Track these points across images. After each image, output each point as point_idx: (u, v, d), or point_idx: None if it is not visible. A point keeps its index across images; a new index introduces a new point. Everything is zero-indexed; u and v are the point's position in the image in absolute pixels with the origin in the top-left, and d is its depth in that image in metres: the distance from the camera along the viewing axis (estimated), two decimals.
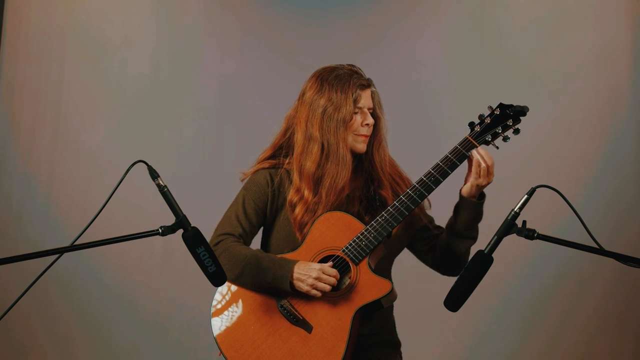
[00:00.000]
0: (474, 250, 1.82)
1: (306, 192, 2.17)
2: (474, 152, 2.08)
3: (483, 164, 2.06)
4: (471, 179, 2.11)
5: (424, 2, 4.07)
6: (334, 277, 2.05)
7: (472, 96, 3.85)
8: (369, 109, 2.21)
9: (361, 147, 2.21)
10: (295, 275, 2.06)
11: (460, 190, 2.16)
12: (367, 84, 2.21)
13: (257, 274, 2.10)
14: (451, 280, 1.84)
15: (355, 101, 2.17)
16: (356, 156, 2.25)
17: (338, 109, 2.15)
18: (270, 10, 4.10)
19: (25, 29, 4.07)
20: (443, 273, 2.30)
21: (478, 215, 2.16)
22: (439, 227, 2.30)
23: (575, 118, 3.91)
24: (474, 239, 2.21)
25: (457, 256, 2.21)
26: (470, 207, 2.13)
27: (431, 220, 2.32)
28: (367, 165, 2.27)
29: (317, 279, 2.04)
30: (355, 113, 2.18)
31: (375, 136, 2.24)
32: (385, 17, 4.04)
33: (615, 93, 3.91)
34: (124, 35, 4.09)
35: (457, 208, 2.17)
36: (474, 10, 4.03)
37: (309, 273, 2.05)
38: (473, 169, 2.09)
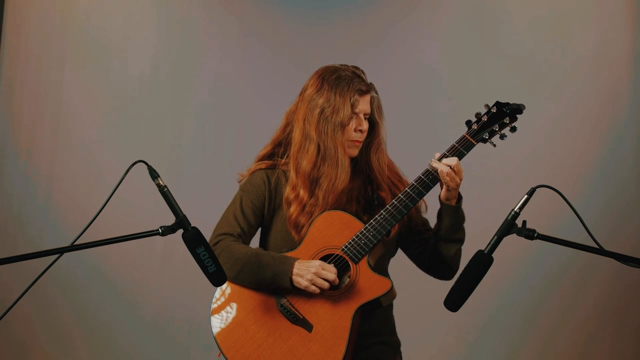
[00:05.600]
0: (474, 250, 1.81)
1: (301, 192, 2.17)
2: (433, 165, 2.07)
3: (447, 169, 2.05)
4: (444, 185, 2.11)
5: (423, 2, 4.07)
6: (333, 273, 2.05)
7: (472, 96, 3.84)
8: (365, 114, 2.20)
9: (353, 152, 2.21)
10: (295, 271, 2.07)
11: (439, 196, 2.16)
12: (366, 90, 2.20)
13: (257, 271, 2.10)
14: (451, 281, 1.84)
15: (353, 106, 2.16)
16: (354, 158, 2.25)
17: (336, 111, 2.15)
18: (270, 10, 4.10)
19: (25, 29, 4.07)
20: (435, 277, 2.30)
21: (459, 217, 2.17)
22: (431, 230, 2.30)
23: (575, 118, 3.91)
24: (460, 241, 2.21)
25: (447, 260, 2.21)
26: (449, 212, 2.15)
27: (425, 222, 2.32)
28: (364, 168, 2.27)
29: (316, 274, 2.04)
30: (351, 117, 2.17)
31: (373, 140, 2.25)
32: (385, 17, 4.03)
33: (615, 93, 3.91)
34: (124, 35, 4.09)
35: (440, 214, 2.19)
36: (473, 10, 4.02)
37: (308, 269, 2.05)
38: (442, 179, 2.09)
